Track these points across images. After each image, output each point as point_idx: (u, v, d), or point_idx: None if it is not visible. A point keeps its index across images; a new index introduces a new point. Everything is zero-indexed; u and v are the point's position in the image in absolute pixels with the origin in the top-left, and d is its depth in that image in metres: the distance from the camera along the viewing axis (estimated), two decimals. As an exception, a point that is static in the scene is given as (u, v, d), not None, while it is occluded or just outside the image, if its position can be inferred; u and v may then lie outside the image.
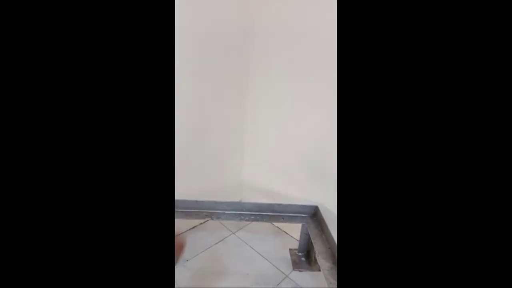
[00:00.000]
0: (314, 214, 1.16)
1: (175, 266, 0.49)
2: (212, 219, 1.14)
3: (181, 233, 1.36)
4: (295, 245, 1.31)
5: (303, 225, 1.16)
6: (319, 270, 1.15)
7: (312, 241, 1.01)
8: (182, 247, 0.68)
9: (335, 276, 0.83)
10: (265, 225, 1.46)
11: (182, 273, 1.10)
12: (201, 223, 1.46)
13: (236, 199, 1.61)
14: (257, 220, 1.14)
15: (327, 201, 1.15)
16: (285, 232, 1.43)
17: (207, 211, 1.17)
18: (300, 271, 1.14)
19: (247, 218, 1.15)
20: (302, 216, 1.16)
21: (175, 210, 1.12)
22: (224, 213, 1.17)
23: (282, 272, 1.14)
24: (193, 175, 1.33)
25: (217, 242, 1.32)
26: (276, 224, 1.47)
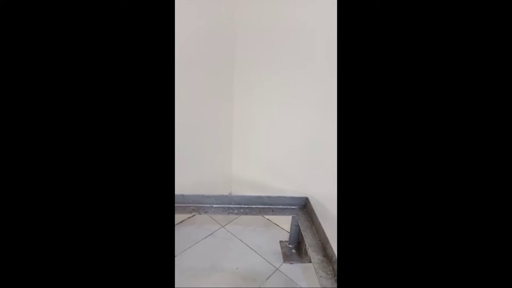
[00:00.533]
0: (304, 206, 1.14)
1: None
2: (200, 213, 1.10)
3: None
4: (285, 237, 1.29)
5: (293, 217, 1.14)
6: (310, 262, 1.13)
7: (303, 233, 0.98)
8: None
9: (325, 269, 0.81)
10: (255, 218, 1.43)
11: (169, 270, 1.07)
12: (189, 217, 1.42)
13: (226, 193, 1.57)
14: (246, 214, 1.11)
15: (317, 192, 1.12)
16: (275, 224, 1.41)
17: (194, 205, 1.13)
18: (290, 263, 1.13)
19: (235, 211, 1.12)
20: (292, 208, 1.14)
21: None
22: (212, 207, 1.13)
23: (273, 265, 1.12)
24: (181, 169, 1.28)
25: (206, 237, 1.29)
26: (266, 216, 1.44)
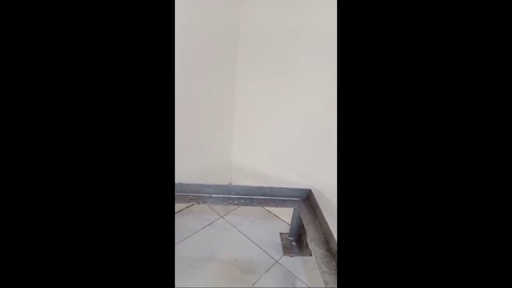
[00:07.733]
0: (307, 198, 1.10)
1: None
2: (198, 203, 1.06)
3: None
4: (286, 229, 1.26)
5: (295, 209, 1.10)
6: (311, 255, 1.11)
7: (305, 226, 0.95)
8: None
9: (329, 264, 0.78)
10: (255, 208, 1.40)
11: (166, 260, 1.04)
12: (187, 207, 1.39)
13: (225, 182, 1.53)
14: (247, 205, 1.07)
15: (321, 184, 1.08)
16: (276, 215, 1.38)
17: (193, 194, 1.09)
18: (290, 256, 1.10)
19: (235, 202, 1.08)
20: (294, 200, 1.10)
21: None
22: (211, 197, 1.09)
23: (272, 257, 1.09)
24: (179, 156, 1.23)
25: (204, 226, 1.26)
26: (266, 207, 1.41)
